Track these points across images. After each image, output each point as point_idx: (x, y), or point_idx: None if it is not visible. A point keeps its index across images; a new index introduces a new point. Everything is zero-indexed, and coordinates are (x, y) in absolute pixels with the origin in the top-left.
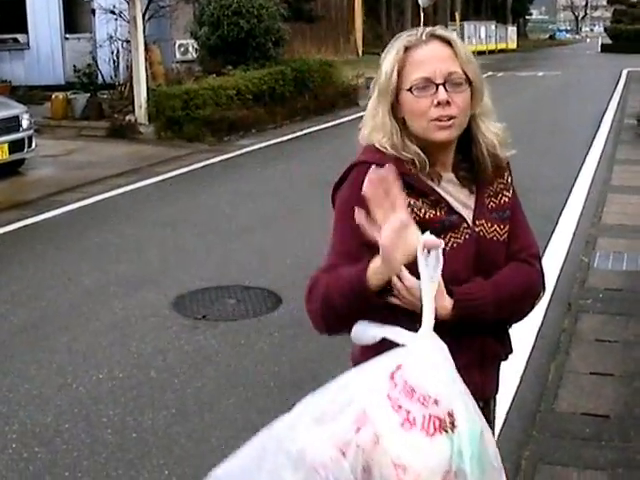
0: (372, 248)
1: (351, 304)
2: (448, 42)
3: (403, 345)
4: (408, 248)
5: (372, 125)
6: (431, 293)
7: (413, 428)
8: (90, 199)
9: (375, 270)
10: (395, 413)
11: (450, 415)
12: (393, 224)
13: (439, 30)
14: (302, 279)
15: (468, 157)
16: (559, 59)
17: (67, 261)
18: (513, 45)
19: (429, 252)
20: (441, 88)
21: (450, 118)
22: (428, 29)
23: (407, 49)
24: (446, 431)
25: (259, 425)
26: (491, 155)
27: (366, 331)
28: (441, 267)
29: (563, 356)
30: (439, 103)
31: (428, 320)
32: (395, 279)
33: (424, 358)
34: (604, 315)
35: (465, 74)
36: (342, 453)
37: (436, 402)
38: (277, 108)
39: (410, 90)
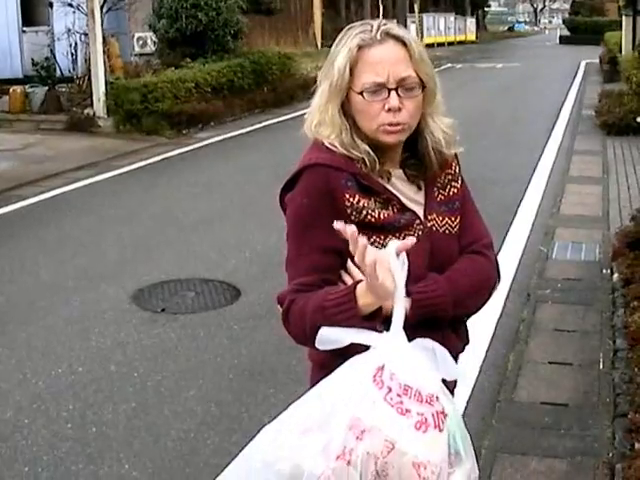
0: (335, 252)
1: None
2: (403, 42)
3: (369, 347)
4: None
5: (320, 119)
6: (401, 293)
7: (429, 428)
8: (49, 193)
9: (367, 303)
10: (403, 417)
11: (442, 405)
12: (380, 264)
13: (394, 29)
14: (261, 272)
15: (415, 153)
16: (518, 51)
17: (25, 255)
18: (472, 37)
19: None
20: (393, 94)
21: (400, 124)
22: (383, 26)
23: (360, 48)
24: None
25: (219, 417)
26: (437, 152)
27: (333, 336)
28: (406, 266)
29: (522, 346)
30: (390, 109)
31: (399, 319)
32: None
33: (408, 356)
34: (563, 305)
35: (419, 77)
36: (347, 462)
37: (437, 398)
38: (236, 101)
39: (361, 94)
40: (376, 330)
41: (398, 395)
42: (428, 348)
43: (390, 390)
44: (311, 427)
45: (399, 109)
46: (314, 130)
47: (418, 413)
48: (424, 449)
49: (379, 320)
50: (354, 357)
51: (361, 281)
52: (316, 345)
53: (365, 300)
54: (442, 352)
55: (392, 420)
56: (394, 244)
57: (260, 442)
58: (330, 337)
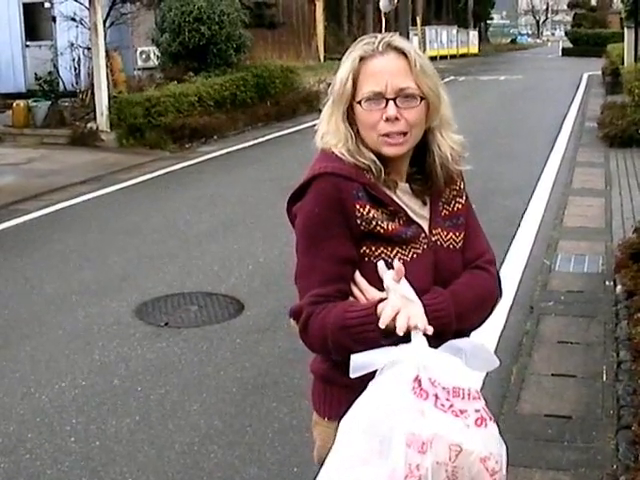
0: (348, 262)
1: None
2: (404, 53)
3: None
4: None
5: (326, 129)
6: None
7: (487, 422)
8: (52, 207)
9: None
10: (459, 418)
11: None
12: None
13: (397, 40)
14: (264, 285)
15: (422, 168)
16: (520, 63)
17: (29, 269)
18: (475, 49)
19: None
20: (391, 103)
21: (401, 134)
22: (386, 38)
23: (362, 59)
24: None
25: (222, 431)
26: (444, 167)
27: (365, 362)
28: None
29: (525, 358)
30: (388, 119)
31: (421, 326)
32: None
33: (441, 360)
34: (566, 317)
35: (419, 88)
36: (417, 478)
37: (480, 394)
38: (239, 114)
39: (360, 102)
40: (395, 344)
41: (447, 399)
42: (455, 348)
43: (437, 397)
44: (369, 457)
45: (396, 119)
46: (322, 140)
47: (475, 410)
48: (485, 443)
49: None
50: (383, 376)
51: (382, 300)
52: (350, 375)
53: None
54: (473, 347)
55: (451, 424)
56: (388, 273)
57: None
58: (364, 363)
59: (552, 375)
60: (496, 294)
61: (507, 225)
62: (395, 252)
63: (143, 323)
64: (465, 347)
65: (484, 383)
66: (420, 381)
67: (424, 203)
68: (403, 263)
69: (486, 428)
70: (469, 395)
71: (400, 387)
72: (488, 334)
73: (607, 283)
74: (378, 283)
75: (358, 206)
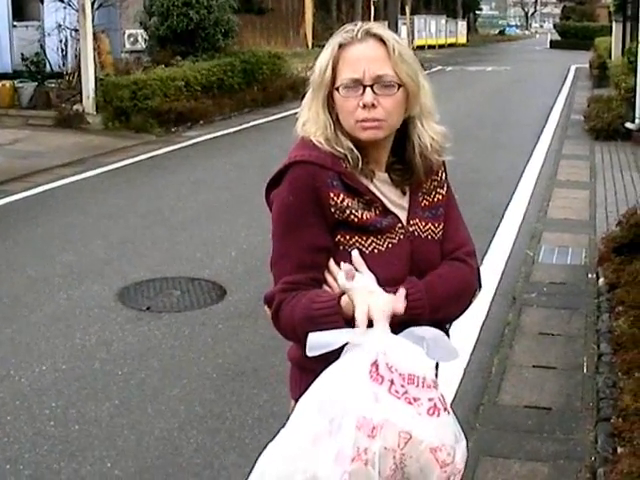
0: (322, 250)
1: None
2: (383, 41)
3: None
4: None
5: (307, 117)
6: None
7: (440, 412)
8: (36, 189)
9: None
10: (412, 406)
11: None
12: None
13: (375, 28)
14: (247, 271)
15: (402, 158)
16: (508, 54)
17: (11, 251)
18: (463, 40)
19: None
20: (368, 90)
21: (376, 120)
22: (365, 26)
23: (342, 46)
24: None
25: (202, 416)
26: (424, 158)
27: (321, 341)
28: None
29: (507, 349)
30: (364, 105)
31: (381, 317)
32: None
33: (400, 346)
34: (548, 309)
35: (397, 75)
36: (364, 462)
37: (436, 382)
38: (225, 100)
39: (338, 89)
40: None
41: (402, 386)
42: (417, 336)
43: (392, 382)
44: (319, 436)
45: (373, 105)
46: (302, 128)
47: (429, 399)
48: (438, 433)
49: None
50: (343, 359)
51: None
52: (307, 353)
53: (349, 310)
54: (435, 336)
55: (403, 411)
56: (342, 275)
57: (270, 458)
58: (319, 342)
59: (533, 366)
60: (474, 286)
61: (491, 216)
62: (370, 241)
63: (125, 307)
64: (427, 336)
65: (465, 372)
66: (378, 365)
67: (403, 193)
68: (378, 253)
69: (438, 418)
70: (423, 383)
71: (357, 370)
72: (470, 324)
73: (590, 276)
74: None
75: (332, 194)
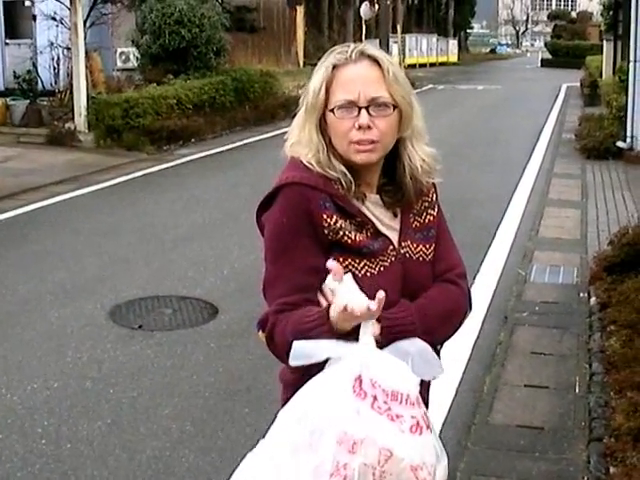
0: (315, 271)
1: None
2: (377, 62)
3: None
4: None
5: (298, 138)
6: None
7: (423, 430)
8: (28, 207)
9: (340, 326)
10: (395, 423)
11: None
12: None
13: (370, 49)
14: (238, 290)
15: (393, 180)
16: (499, 73)
17: (3, 269)
18: (454, 58)
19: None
20: (363, 112)
21: (371, 142)
22: (360, 46)
23: (335, 67)
24: None
25: (194, 435)
26: (414, 179)
27: (306, 351)
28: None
29: (499, 368)
30: (360, 127)
31: (367, 328)
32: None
33: (385, 362)
34: (539, 328)
35: (392, 97)
36: (342, 478)
37: (420, 400)
38: (217, 118)
39: (332, 110)
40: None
41: (385, 402)
42: (402, 351)
43: (375, 398)
44: (299, 447)
45: (369, 127)
46: (291, 149)
47: (412, 417)
48: (419, 451)
49: (353, 338)
50: (326, 371)
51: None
52: (290, 362)
53: (338, 322)
54: (420, 351)
55: (385, 428)
56: (330, 278)
57: (249, 469)
58: (303, 351)
59: (525, 386)
60: (465, 308)
61: (483, 235)
62: (363, 264)
63: (116, 325)
64: (412, 350)
65: (456, 391)
66: (361, 380)
67: (395, 215)
68: (371, 276)
69: (421, 436)
70: (407, 400)
71: (341, 384)
72: (461, 343)
73: (581, 295)
74: None
75: (325, 216)
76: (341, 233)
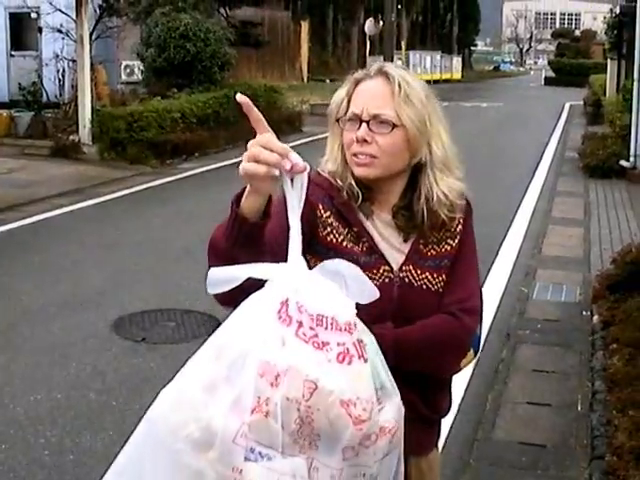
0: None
1: (228, 235)
2: (391, 80)
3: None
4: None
5: (328, 155)
6: (296, 220)
7: (353, 359)
8: (31, 218)
9: (248, 202)
10: (321, 351)
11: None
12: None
13: (390, 67)
14: None
15: (409, 206)
16: (503, 91)
17: (7, 280)
18: (458, 75)
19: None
20: (363, 125)
21: (371, 157)
22: (384, 64)
23: (357, 82)
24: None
25: None
26: (429, 209)
27: (224, 275)
28: (303, 199)
29: (501, 386)
30: (357, 140)
31: (296, 246)
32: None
33: (314, 283)
34: (542, 346)
35: (398, 116)
36: (264, 414)
37: (355, 325)
38: (221, 132)
39: (338, 120)
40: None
41: (311, 328)
42: (335, 272)
43: (301, 324)
44: (216, 382)
45: (365, 141)
46: (322, 166)
47: (339, 343)
48: (350, 384)
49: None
50: (250, 298)
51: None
52: (208, 290)
53: (246, 199)
54: (353, 272)
55: (309, 357)
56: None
57: (160, 407)
58: (221, 277)
59: (527, 403)
60: (459, 343)
61: (486, 252)
62: None
63: (120, 338)
64: (344, 271)
65: (459, 408)
66: (288, 305)
67: (405, 240)
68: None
69: (350, 365)
70: (332, 325)
71: (265, 310)
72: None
73: (584, 313)
74: None
75: (321, 207)
76: (329, 229)
